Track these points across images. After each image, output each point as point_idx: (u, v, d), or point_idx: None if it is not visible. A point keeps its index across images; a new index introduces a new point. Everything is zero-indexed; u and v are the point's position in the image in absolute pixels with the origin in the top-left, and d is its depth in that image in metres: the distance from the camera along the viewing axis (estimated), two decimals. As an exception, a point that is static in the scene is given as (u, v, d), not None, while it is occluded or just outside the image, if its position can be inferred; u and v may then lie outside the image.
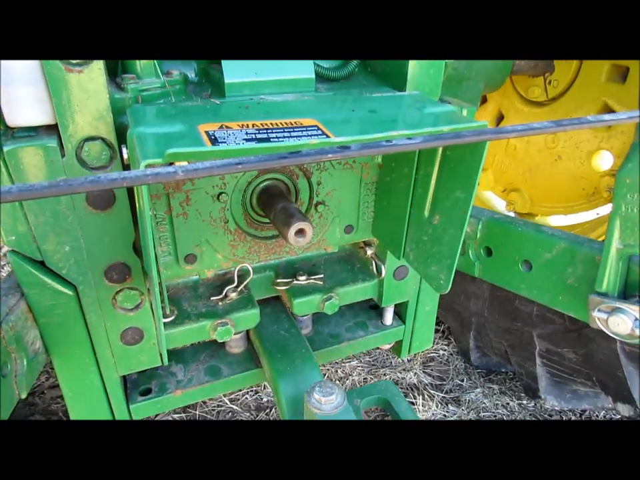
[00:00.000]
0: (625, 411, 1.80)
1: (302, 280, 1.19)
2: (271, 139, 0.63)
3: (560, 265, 1.02)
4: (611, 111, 1.73)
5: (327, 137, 0.65)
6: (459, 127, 0.72)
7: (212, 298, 1.12)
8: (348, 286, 1.22)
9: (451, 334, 2.70)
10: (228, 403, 2.33)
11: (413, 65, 0.96)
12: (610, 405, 1.95)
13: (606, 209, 1.82)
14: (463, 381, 2.48)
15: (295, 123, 0.70)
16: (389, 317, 1.37)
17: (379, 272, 1.24)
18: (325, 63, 1.06)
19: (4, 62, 0.73)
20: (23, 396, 0.88)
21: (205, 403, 2.33)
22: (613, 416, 2.11)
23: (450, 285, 0.92)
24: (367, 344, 1.36)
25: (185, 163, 0.55)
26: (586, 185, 1.93)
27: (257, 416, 2.25)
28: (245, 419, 2.23)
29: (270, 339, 1.22)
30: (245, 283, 1.13)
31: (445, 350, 2.67)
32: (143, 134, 0.64)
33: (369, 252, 1.26)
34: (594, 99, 1.78)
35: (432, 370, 2.56)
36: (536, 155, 2.05)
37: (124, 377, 1.12)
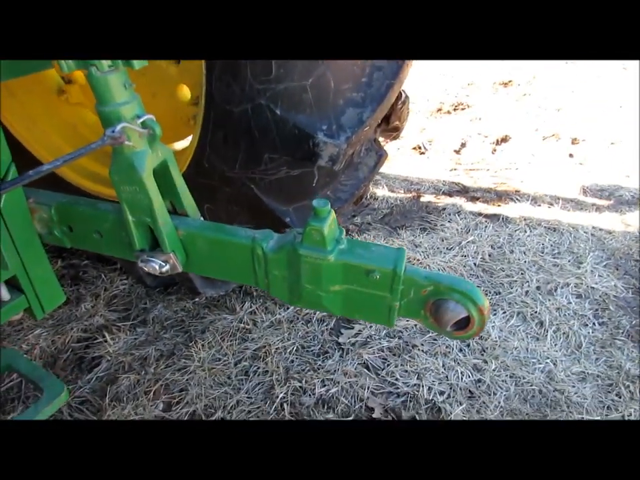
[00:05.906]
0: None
1: None
2: None
3: (115, 231, 1.34)
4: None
5: None
6: None
7: None
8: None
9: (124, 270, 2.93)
10: None
11: None
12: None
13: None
14: (146, 303, 2.81)
15: None
16: (4, 293, 1.48)
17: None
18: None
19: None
20: None
21: None
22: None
23: None
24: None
25: None
26: (183, 114, 2.27)
27: None
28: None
29: None
30: None
31: (126, 284, 2.93)
32: None
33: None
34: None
35: (117, 306, 2.81)
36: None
37: None
